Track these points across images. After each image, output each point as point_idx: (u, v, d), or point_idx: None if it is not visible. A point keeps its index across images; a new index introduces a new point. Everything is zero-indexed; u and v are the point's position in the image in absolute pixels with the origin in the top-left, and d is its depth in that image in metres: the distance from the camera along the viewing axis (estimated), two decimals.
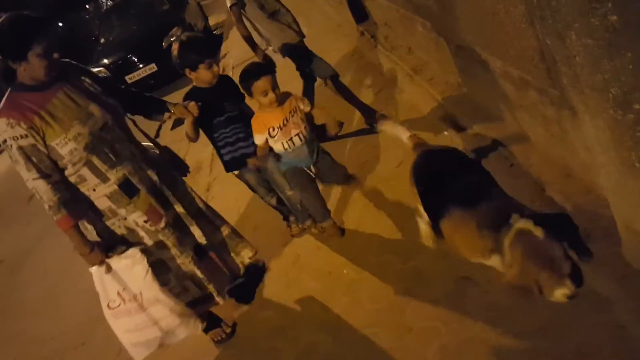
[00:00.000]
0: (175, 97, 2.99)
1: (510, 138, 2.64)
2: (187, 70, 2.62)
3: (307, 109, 2.64)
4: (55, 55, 2.07)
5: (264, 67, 2.56)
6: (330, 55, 5.34)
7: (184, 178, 2.66)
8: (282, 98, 2.53)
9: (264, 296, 2.89)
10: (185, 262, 2.44)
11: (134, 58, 8.48)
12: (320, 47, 5.76)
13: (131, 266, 2.27)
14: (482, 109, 2.98)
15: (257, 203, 3.71)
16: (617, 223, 1.71)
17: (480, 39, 2.49)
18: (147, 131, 2.77)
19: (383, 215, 2.90)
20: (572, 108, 1.82)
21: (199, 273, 2.47)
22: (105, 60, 8.73)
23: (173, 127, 5.67)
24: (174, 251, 2.40)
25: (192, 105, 2.51)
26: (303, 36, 3.75)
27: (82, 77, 2.25)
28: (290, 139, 2.56)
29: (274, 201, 3.06)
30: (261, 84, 2.44)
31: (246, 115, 2.74)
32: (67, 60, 2.26)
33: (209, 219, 2.63)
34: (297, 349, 2.41)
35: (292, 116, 2.55)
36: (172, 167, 2.60)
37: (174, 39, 7.91)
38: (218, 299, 2.55)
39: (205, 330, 2.67)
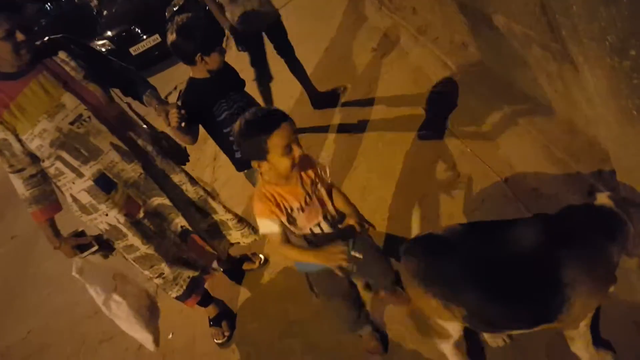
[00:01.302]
0: (181, 68, 2.89)
1: (516, 98, 2.63)
2: (197, 57, 2.23)
3: (329, 179, 1.83)
4: (20, 37, 1.89)
5: (279, 112, 1.61)
6: (333, 19, 5.32)
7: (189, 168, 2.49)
8: (302, 162, 1.68)
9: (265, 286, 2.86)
10: (168, 247, 2.39)
11: (137, 29, 8.39)
12: (323, 11, 5.74)
13: (100, 266, 2.27)
14: (487, 68, 2.96)
15: None
16: (617, 174, 1.72)
17: None
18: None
19: None
20: (573, 62, 1.81)
21: (182, 254, 2.45)
22: (109, 33, 8.65)
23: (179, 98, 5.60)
24: (156, 239, 2.33)
25: (173, 113, 2.16)
26: (266, 23, 3.55)
27: (66, 59, 2.06)
28: (318, 224, 1.74)
29: None
30: (284, 134, 1.54)
31: (254, 104, 2.48)
32: (54, 37, 2.11)
33: (206, 205, 2.48)
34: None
35: (316, 191, 1.75)
36: (169, 155, 2.36)
37: (176, 8, 7.83)
38: (206, 277, 2.58)
39: (211, 325, 2.70)
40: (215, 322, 2.70)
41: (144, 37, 8.27)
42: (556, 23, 1.75)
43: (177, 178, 2.35)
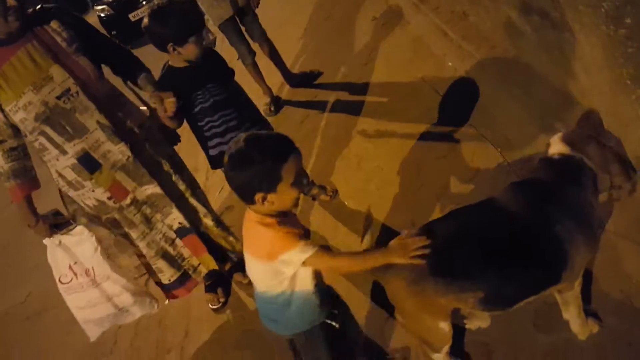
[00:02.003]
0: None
1: (513, 68, 2.61)
2: (169, 47, 2.07)
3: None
4: (10, 2, 1.82)
5: (286, 137, 1.41)
6: None
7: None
8: None
9: None
10: (156, 240, 2.29)
11: None
12: None
13: (80, 242, 2.17)
14: (487, 38, 2.92)
15: None
16: None
17: None
18: None
19: None
20: (571, 30, 1.78)
21: (171, 250, 2.34)
22: None
23: None
24: (142, 228, 2.24)
25: (169, 102, 2.08)
26: (238, 6, 3.48)
27: (58, 29, 1.97)
28: None
29: None
30: (297, 161, 1.39)
31: (237, 97, 2.32)
32: (47, 5, 2.02)
33: (200, 201, 2.38)
34: None
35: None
36: (160, 134, 2.27)
37: None
38: (194, 275, 2.44)
39: (206, 291, 2.66)
40: (210, 288, 2.70)
41: (143, 2, 8.15)
42: None
43: (171, 165, 2.25)
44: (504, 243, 1.41)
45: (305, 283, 1.48)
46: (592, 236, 1.47)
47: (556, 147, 1.46)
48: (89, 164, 2.04)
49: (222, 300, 2.68)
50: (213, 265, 2.43)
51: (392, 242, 1.44)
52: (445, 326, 1.50)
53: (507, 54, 2.68)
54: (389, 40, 3.81)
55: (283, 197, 1.36)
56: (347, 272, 1.52)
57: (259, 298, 1.57)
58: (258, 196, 1.35)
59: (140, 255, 2.33)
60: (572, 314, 1.63)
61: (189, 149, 2.53)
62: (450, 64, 3.14)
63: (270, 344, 2.34)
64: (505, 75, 2.61)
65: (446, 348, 1.59)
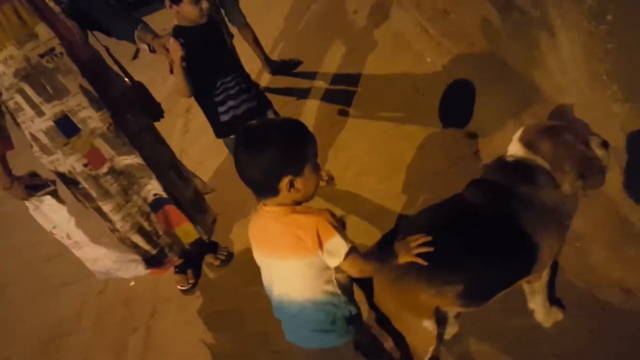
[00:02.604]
0: (157, 17, 2.77)
1: (492, 65, 2.67)
2: (166, 2, 2.08)
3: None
4: None
5: (297, 120, 1.34)
6: None
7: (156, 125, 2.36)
8: None
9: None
10: (132, 213, 2.25)
11: None
12: None
13: (55, 210, 2.16)
14: (467, 35, 2.98)
15: None
16: None
17: None
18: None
19: None
20: (550, 28, 1.84)
21: (147, 225, 2.31)
22: None
23: (134, 56, 5.26)
24: (117, 199, 2.20)
25: (174, 44, 1.99)
26: None
27: None
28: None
29: None
30: (315, 143, 1.31)
31: (239, 61, 2.33)
32: None
33: (179, 173, 2.39)
34: None
35: None
36: (143, 108, 2.25)
37: None
38: (170, 255, 2.41)
39: (175, 272, 2.63)
40: (180, 269, 2.66)
41: None
42: None
43: (150, 135, 2.24)
44: (477, 237, 1.44)
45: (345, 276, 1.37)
46: (558, 229, 1.51)
47: (513, 147, 1.50)
48: (67, 127, 1.99)
49: (191, 282, 2.65)
50: (194, 234, 2.41)
51: (396, 244, 1.42)
52: (429, 325, 1.49)
53: (486, 51, 2.74)
54: (369, 34, 3.84)
55: (308, 182, 1.26)
56: (366, 275, 1.40)
57: (303, 312, 1.35)
58: (285, 181, 1.22)
59: (114, 231, 2.28)
60: (538, 303, 1.69)
61: (163, 129, 2.49)
62: (429, 59, 3.19)
63: (240, 327, 2.35)
64: (483, 71, 2.66)
65: (430, 353, 1.56)
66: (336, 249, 1.25)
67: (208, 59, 2.15)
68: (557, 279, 1.83)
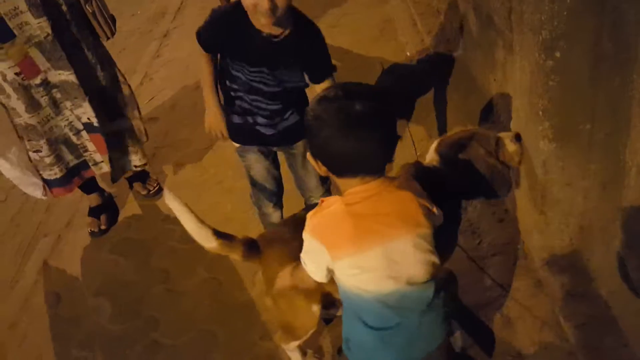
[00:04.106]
0: None
1: (460, 74, 2.69)
2: None
3: None
4: None
5: None
6: None
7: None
8: None
9: None
10: (60, 125, 2.18)
11: None
12: None
13: None
14: (448, 39, 2.98)
15: None
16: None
17: None
18: None
19: None
20: (514, 53, 1.85)
21: (74, 139, 2.24)
22: None
23: None
24: (47, 111, 2.11)
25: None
26: None
27: None
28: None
29: (275, 216, 1.99)
30: None
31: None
32: None
33: (113, 103, 2.27)
34: None
35: None
36: (91, 22, 2.10)
37: None
38: (93, 168, 2.36)
39: (89, 214, 2.57)
40: (94, 212, 2.57)
41: None
42: (513, 9, 1.77)
43: (94, 55, 2.11)
44: None
45: None
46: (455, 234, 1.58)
47: (429, 155, 1.55)
48: (1, 32, 1.87)
49: (103, 227, 2.55)
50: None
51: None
52: (316, 310, 1.49)
53: (459, 60, 2.76)
54: (361, 13, 3.80)
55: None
56: None
57: (427, 300, 1.16)
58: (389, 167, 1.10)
59: (31, 151, 2.18)
60: None
61: (131, 48, 2.41)
62: (408, 53, 3.20)
63: (144, 259, 2.34)
64: (451, 78, 2.69)
65: (308, 335, 1.58)
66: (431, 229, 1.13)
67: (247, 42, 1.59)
68: None
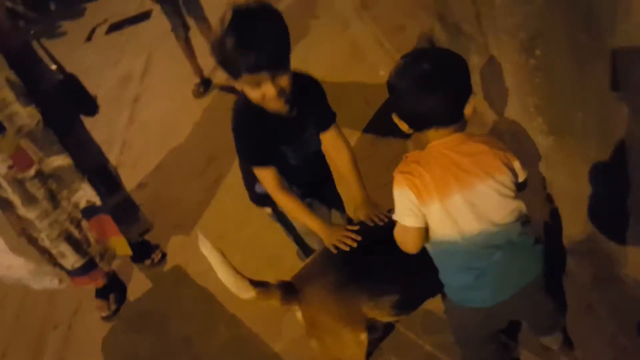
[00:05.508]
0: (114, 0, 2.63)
1: None
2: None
3: None
4: None
5: None
6: None
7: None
8: None
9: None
10: (60, 220, 2.11)
11: None
12: None
13: None
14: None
15: (184, 125, 3.72)
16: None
17: None
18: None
19: None
20: (491, 57, 1.88)
21: (76, 233, 2.18)
22: None
23: (89, 38, 4.94)
24: (44, 205, 2.06)
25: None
26: None
27: None
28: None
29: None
30: None
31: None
32: None
33: (110, 177, 2.28)
34: None
35: None
36: (75, 102, 2.12)
37: None
38: (101, 264, 2.29)
39: (96, 296, 2.46)
40: (101, 294, 2.47)
41: None
42: (482, 15, 1.81)
43: (81, 135, 2.10)
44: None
45: None
46: None
47: None
48: None
49: (113, 307, 2.46)
50: (126, 249, 2.28)
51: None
52: (364, 338, 1.50)
53: None
54: (327, 42, 3.84)
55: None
56: None
57: (507, 238, 1.23)
58: (472, 102, 1.18)
59: (34, 240, 2.13)
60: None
61: (103, 119, 2.40)
62: (382, 72, 3.22)
63: (163, 331, 2.28)
64: None
65: None
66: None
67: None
68: None
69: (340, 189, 1.84)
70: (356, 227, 1.51)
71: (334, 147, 1.65)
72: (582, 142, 1.54)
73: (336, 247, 1.48)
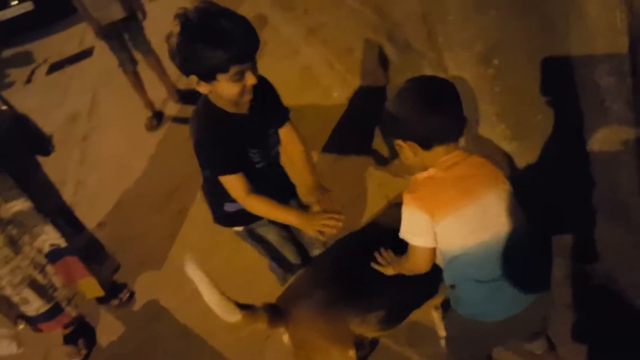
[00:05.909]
0: (53, 41, 2.59)
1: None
2: (193, 78, 1.39)
3: None
4: None
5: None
6: None
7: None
8: None
9: None
10: (23, 266, 2.04)
11: None
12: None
13: None
14: (370, 73, 3.11)
15: (140, 160, 3.65)
16: None
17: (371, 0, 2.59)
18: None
19: None
20: (445, 70, 1.97)
21: (40, 279, 2.10)
22: None
23: (28, 80, 4.87)
24: (5, 251, 1.99)
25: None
26: (131, 11, 3.42)
27: None
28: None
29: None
30: None
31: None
32: None
33: (73, 216, 2.25)
34: None
35: None
36: (29, 142, 2.08)
37: None
38: (68, 309, 2.20)
39: (64, 342, 2.37)
40: (69, 339, 2.37)
41: (15, 2, 7.46)
42: (434, 31, 1.89)
43: (39, 177, 2.05)
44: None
45: None
46: None
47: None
48: None
49: (83, 352, 2.36)
50: (97, 290, 2.20)
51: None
52: (352, 354, 1.50)
53: (388, 90, 2.88)
54: (277, 66, 3.88)
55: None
56: None
57: (517, 247, 1.25)
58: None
59: None
60: (436, 317, 1.75)
61: (53, 159, 2.32)
62: (335, 94, 3.29)
63: None
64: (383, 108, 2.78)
65: None
66: None
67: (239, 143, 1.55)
68: None
69: (292, 175, 1.84)
70: (334, 211, 1.49)
71: (291, 140, 1.69)
72: (543, 144, 1.62)
73: (318, 266, 1.48)
